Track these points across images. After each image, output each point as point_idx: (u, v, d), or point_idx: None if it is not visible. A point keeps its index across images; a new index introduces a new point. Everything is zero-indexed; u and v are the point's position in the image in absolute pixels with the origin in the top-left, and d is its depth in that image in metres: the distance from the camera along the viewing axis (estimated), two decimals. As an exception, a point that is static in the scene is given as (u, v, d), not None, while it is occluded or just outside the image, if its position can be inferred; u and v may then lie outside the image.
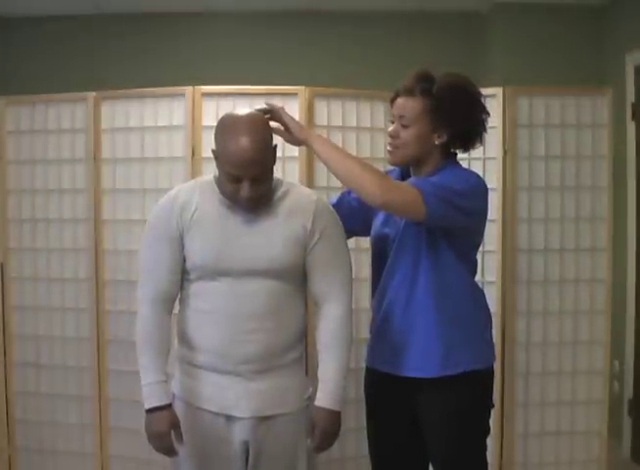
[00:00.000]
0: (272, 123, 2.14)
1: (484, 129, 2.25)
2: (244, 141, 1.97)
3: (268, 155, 2.04)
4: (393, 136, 2.21)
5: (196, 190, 2.12)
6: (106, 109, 3.24)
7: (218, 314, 2.07)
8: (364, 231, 2.38)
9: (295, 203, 2.12)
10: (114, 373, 3.25)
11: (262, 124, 2.06)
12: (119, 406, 3.25)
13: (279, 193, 2.12)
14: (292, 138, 2.21)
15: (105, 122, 3.25)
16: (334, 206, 2.36)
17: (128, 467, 3.26)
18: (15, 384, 3.37)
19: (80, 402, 3.32)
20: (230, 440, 2.12)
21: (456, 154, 2.27)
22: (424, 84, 2.17)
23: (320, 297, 2.14)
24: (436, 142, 2.19)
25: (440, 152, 2.22)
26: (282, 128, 2.20)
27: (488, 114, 2.25)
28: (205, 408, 2.12)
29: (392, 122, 2.24)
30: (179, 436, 2.05)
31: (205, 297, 2.09)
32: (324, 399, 2.08)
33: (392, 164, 2.29)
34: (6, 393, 3.35)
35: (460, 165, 2.27)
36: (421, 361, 2.21)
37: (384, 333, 2.30)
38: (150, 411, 2.03)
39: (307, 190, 2.26)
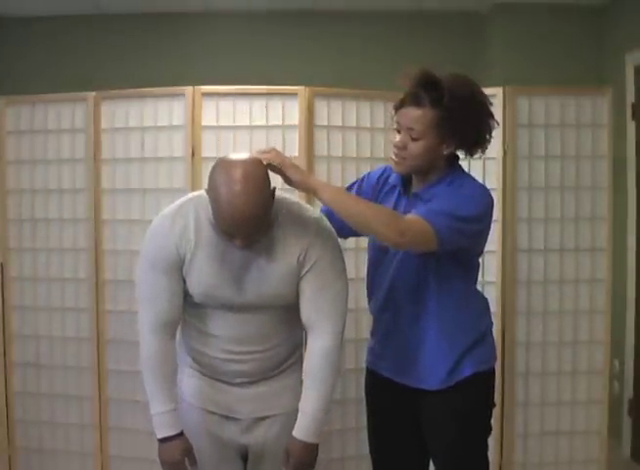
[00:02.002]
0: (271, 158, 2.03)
1: (491, 135, 2.20)
2: (237, 203, 1.83)
3: (265, 210, 1.91)
4: (400, 147, 2.14)
5: (190, 213, 2.01)
6: (106, 109, 3.24)
7: (213, 337, 2.08)
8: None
9: (292, 231, 2.02)
10: (114, 373, 3.25)
11: (259, 179, 1.89)
12: (119, 406, 3.24)
13: (279, 218, 2.01)
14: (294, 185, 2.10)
15: (105, 122, 3.24)
16: (328, 212, 2.32)
17: (128, 467, 3.26)
18: (15, 384, 3.36)
19: (80, 402, 3.31)
20: (227, 439, 2.14)
21: (458, 157, 2.25)
22: (433, 93, 2.07)
23: (309, 325, 2.06)
24: (445, 152, 2.16)
25: (446, 158, 2.19)
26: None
27: (497, 122, 2.20)
28: (202, 407, 2.13)
29: (397, 131, 2.16)
30: (193, 460, 2.05)
31: (201, 318, 2.09)
32: (301, 431, 2.03)
33: (399, 174, 2.23)
34: (6, 393, 3.35)
35: (463, 173, 2.24)
36: (425, 375, 2.22)
37: (386, 343, 2.30)
38: (162, 441, 2.02)
39: (308, 211, 2.10)
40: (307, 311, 2.04)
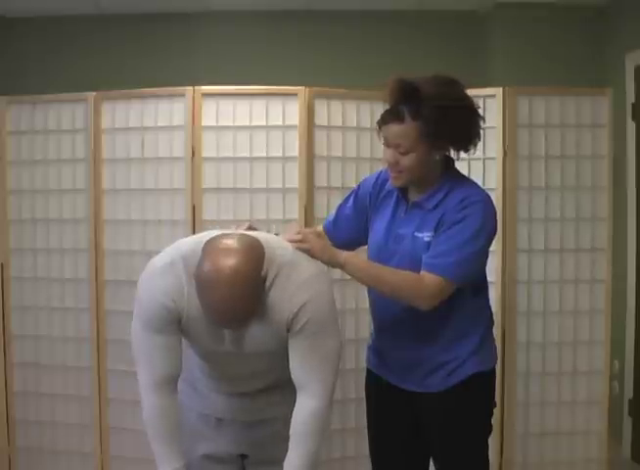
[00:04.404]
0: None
1: (479, 131, 2.18)
2: (226, 307, 1.77)
3: (255, 304, 1.83)
4: (393, 163, 2.14)
5: (182, 273, 1.90)
6: (106, 109, 3.24)
7: (207, 365, 2.09)
8: (365, 236, 2.35)
9: (284, 293, 1.91)
10: (114, 373, 3.24)
11: (249, 276, 1.79)
12: (119, 406, 3.24)
13: (270, 282, 1.90)
14: None
15: (105, 122, 3.24)
16: (332, 222, 2.38)
17: (128, 467, 3.26)
18: (15, 384, 3.37)
19: (80, 402, 3.31)
20: (224, 441, 2.15)
21: (452, 159, 2.23)
22: (410, 106, 2.07)
23: (297, 383, 1.98)
24: (437, 157, 2.16)
25: (440, 162, 2.19)
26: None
27: (483, 118, 2.18)
28: (198, 410, 2.14)
29: (386, 146, 2.15)
30: None
31: (199, 354, 2.08)
32: None
33: (398, 187, 2.22)
34: (6, 393, 3.35)
35: (459, 177, 2.24)
36: (427, 381, 2.23)
37: (386, 349, 2.31)
38: None
39: (301, 271, 1.96)
40: (297, 371, 1.96)
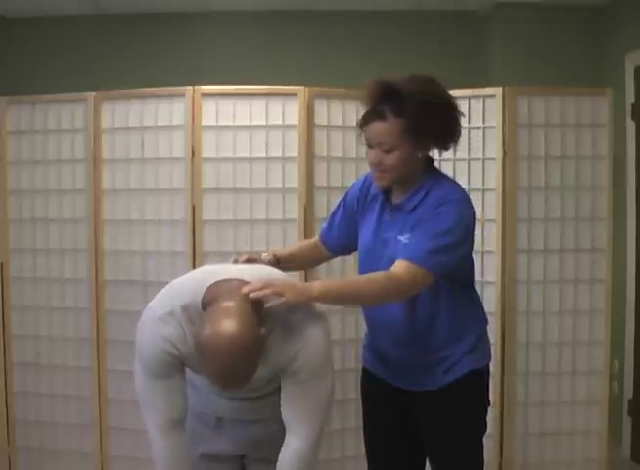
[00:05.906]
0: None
1: (460, 127, 2.19)
2: (226, 377, 1.76)
3: (256, 367, 1.80)
4: (377, 163, 2.14)
5: (184, 324, 1.88)
6: (106, 109, 3.24)
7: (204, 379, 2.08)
8: (357, 239, 2.34)
9: (280, 339, 1.90)
10: (114, 373, 3.25)
11: (249, 342, 1.75)
12: (119, 406, 3.24)
13: (267, 329, 1.86)
14: None
15: (105, 122, 3.25)
16: (327, 230, 2.38)
17: (128, 467, 3.26)
18: (15, 384, 3.37)
19: (80, 402, 3.32)
20: (223, 439, 2.15)
21: (432, 159, 2.24)
22: (392, 104, 2.08)
23: (286, 423, 1.98)
24: (420, 155, 2.16)
25: (422, 161, 2.19)
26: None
27: (463, 114, 2.19)
28: (196, 409, 2.15)
29: (369, 146, 2.16)
30: None
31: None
32: None
33: (382, 188, 2.22)
34: (6, 393, 3.35)
35: (439, 176, 2.24)
36: (423, 379, 2.23)
37: (382, 351, 2.31)
38: None
39: (297, 319, 1.93)
40: (286, 413, 1.96)
